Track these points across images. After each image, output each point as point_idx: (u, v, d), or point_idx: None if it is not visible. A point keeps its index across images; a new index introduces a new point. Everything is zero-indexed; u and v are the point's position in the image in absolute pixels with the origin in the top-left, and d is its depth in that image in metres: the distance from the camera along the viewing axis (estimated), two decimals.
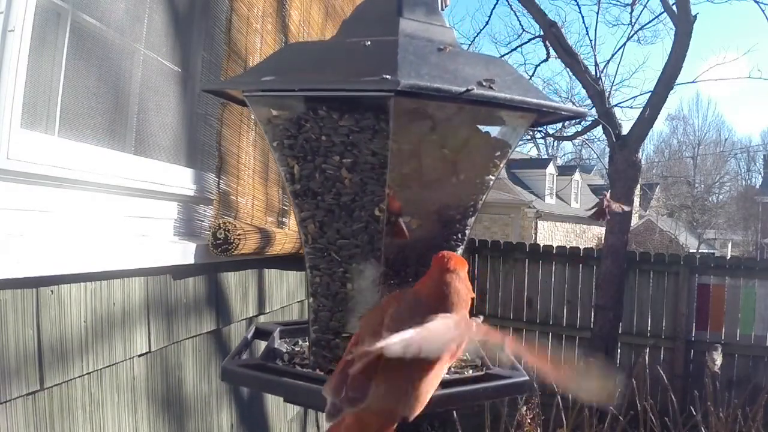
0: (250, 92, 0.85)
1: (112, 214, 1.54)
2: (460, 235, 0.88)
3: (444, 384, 0.75)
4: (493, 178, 0.88)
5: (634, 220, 17.72)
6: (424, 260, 0.82)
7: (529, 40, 7.25)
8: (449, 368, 0.85)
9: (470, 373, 0.88)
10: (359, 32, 0.81)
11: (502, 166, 0.88)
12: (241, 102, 0.91)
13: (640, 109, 5.59)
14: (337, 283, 0.84)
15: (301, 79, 0.79)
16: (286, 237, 2.10)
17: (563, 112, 0.83)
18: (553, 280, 5.80)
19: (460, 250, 0.88)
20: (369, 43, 0.77)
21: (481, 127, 0.85)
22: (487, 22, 11.17)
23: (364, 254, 0.82)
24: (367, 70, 0.72)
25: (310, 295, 0.88)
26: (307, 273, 0.88)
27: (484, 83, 0.73)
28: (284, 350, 0.97)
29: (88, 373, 1.28)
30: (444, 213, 0.86)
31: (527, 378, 0.83)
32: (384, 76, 0.68)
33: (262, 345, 0.97)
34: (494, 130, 0.87)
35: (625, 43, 7.19)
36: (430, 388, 0.65)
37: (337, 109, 0.78)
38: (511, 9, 7.05)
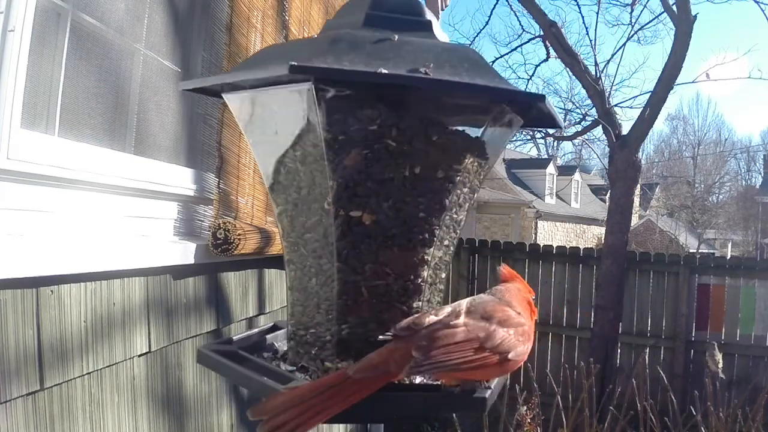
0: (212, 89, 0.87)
1: (112, 214, 1.54)
2: (427, 235, 0.82)
3: (390, 388, 0.75)
4: (458, 174, 0.81)
5: (634, 220, 17.73)
6: (383, 257, 0.80)
7: (529, 40, 7.27)
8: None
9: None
10: (334, 28, 0.82)
11: (468, 161, 0.82)
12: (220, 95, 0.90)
13: (640, 109, 5.59)
14: (306, 277, 0.84)
15: (242, 75, 0.79)
16: None
17: (505, 95, 0.76)
18: (553, 280, 5.80)
19: (430, 250, 0.83)
20: (316, 36, 0.78)
21: (437, 120, 0.80)
22: (487, 22, 11.20)
23: (322, 247, 0.81)
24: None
25: (288, 289, 0.89)
26: (285, 267, 0.89)
27: (421, 70, 0.70)
28: (282, 347, 0.95)
29: (88, 373, 1.28)
30: (401, 209, 0.80)
31: (485, 396, 0.74)
32: (292, 63, 0.67)
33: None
34: (453, 123, 0.81)
35: (625, 43, 7.20)
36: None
37: (281, 101, 0.79)
38: (511, 9, 7.06)
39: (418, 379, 0.82)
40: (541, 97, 0.75)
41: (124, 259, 1.39)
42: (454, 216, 0.85)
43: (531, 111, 0.83)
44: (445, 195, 0.82)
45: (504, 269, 0.86)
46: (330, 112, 0.74)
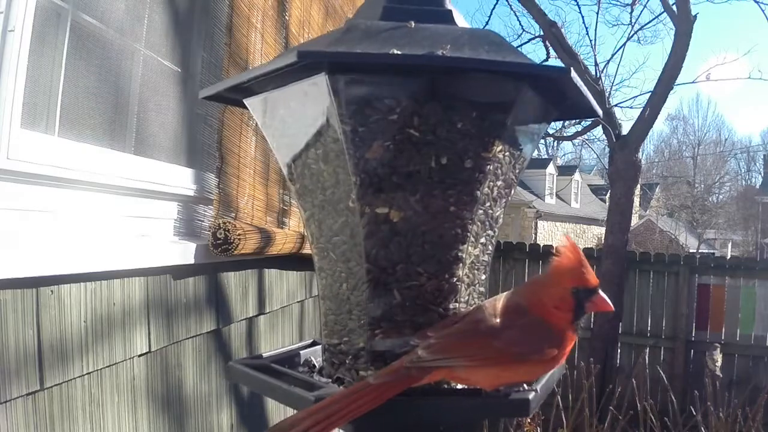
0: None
1: (112, 214, 1.54)
2: (459, 231, 0.77)
3: (427, 393, 0.73)
4: (488, 163, 0.76)
5: (634, 220, 17.73)
6: (414, 256, 0.77)
7: (529, 40, 7.27)
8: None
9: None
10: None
11: (497, 149, 0.76)
12: (242, 104, 0.89)
13: (640, 109, 5.59)
14: (336, 283, 0.81)
15: (255, 72, 0.78)
16: (286, 237, 2.10)
17: (523, 69, 0.71)
18: None
19: (464, 247, 0.78)
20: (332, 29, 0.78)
21: (460, 105, 0.75)
22: (487, 22, 11.08)
23: (350, 249, 0.78)
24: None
25: (320, 298, 0.86)
26: (316, 275, 0.86)
27: (438, 52, 0.68)
28: (319, 362, 0.91)
29: (88, 373, 1.28)
30: (430, 203, 0.76)
31: (527, 397, 0.71)
32: (300, 50, 0.66)
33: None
34: (478, 109, 0.75)
35: (625, 43, 7.18)
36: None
37: (299, 98, 0.77)
38: (511, 9, 7.06)
39: (459, 386, 0.78)
40: (565, 71, 0.69)
41: (124, 259, 1.39)
42: (489, 211, 0.81)
43: (565, 101, 0.79)
44: (475, 186, 0.77)
45: (566, 245, 0.76)
46: (347, 104, 0.72)
